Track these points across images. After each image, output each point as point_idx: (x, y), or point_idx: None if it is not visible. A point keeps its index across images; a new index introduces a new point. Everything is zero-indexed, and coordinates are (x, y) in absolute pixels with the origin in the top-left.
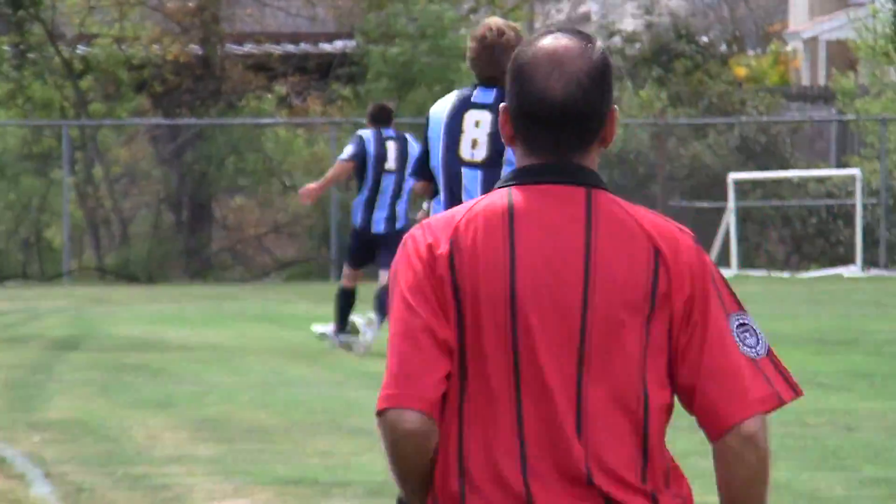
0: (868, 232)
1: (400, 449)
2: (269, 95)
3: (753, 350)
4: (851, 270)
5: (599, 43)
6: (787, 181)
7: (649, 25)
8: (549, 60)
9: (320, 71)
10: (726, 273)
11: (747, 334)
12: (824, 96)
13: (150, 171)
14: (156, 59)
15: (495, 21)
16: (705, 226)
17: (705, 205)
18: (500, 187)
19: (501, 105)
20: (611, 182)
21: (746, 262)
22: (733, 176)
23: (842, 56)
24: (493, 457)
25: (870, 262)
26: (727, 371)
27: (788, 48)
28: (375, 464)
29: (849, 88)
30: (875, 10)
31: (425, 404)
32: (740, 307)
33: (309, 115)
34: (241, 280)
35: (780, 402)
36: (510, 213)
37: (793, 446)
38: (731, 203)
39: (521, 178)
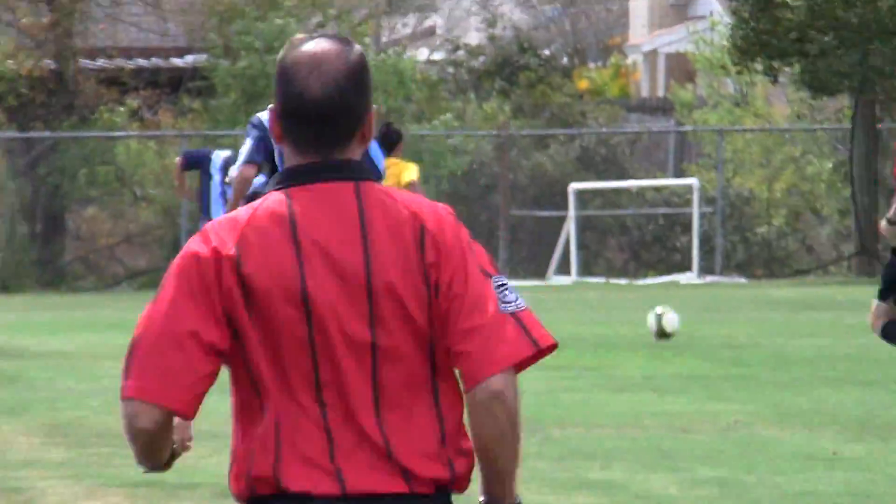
0: (705, 240)
1: (136, 438)
2: (122, 109)
3: (514, 304)
4: (688, 277)
5: (358, 47)
6: (626, 190)
7: (493, 39)
8: (308, 62)
9: (171, 85)
10: (566, 280)
11: (507, 292)
12: (663, 107)
13: (5, 183)
14: (10, 73)
15: None
16: (546, 234)
17: (546, 213)
18: (275, 189)
19: (270, 106)
20: (454, 192)
21: (586, 269)
22: (574, 185)
23: (681, 68)
24: (304, 440)
25: (706, 269)
26: (482, 330)
27: (629, 61)
28: (222, 467)
29: (687, 100)
30: (714, 23)
31: (177, 403)
32: (497, 271)
33: (160, 128)
34: (94, 289)
35: (538, 348)
36: (290, 216)
37: (628, 447)
38: (572, 211)
39: (295, 179)
